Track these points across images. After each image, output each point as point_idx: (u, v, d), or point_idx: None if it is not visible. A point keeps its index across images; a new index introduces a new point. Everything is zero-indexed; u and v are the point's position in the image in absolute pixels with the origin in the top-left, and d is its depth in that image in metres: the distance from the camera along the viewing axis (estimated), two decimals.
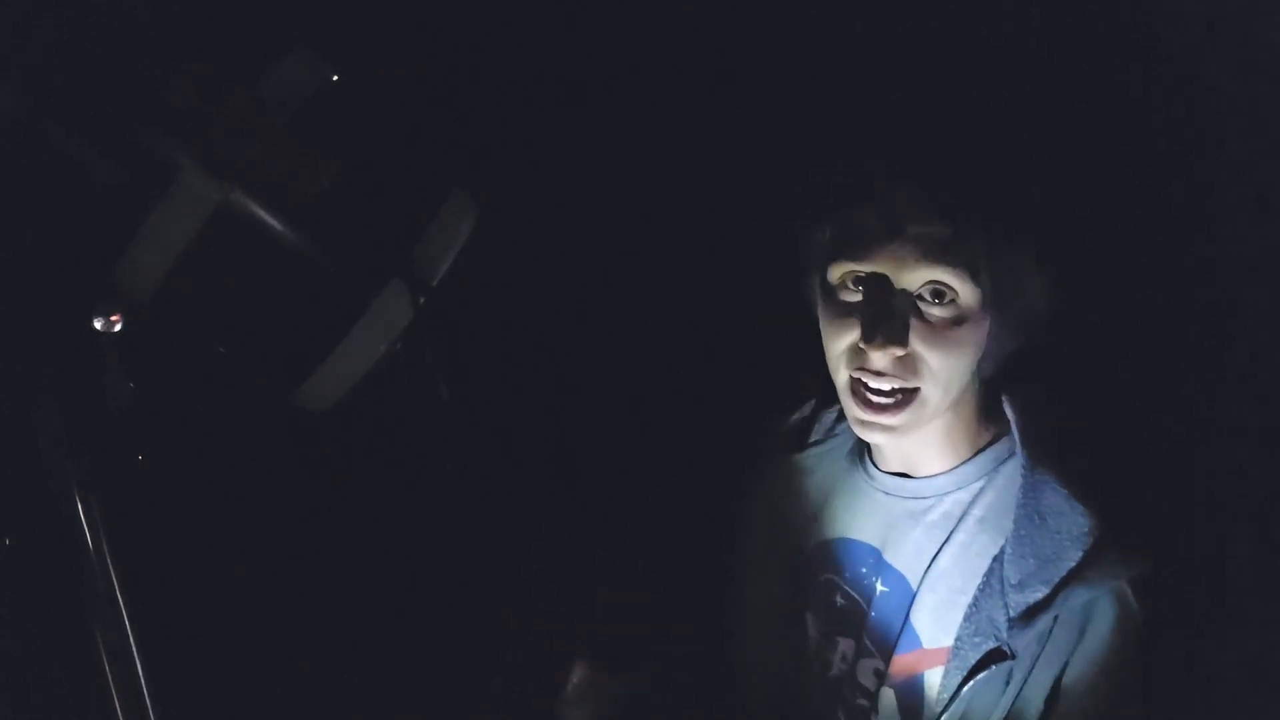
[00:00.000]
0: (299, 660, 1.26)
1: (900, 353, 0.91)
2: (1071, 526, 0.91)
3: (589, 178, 1.29)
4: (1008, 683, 0.92)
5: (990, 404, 1.00)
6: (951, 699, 0.93)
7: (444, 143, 0.86)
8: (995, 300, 0.91)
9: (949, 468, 1.00)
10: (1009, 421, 0.98)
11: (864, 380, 0.93)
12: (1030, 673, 0.91)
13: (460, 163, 0.87)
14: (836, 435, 1.11)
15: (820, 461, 1.11)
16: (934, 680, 0.96)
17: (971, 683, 0.92)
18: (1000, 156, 0.93)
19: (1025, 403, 0.98)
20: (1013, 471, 0.97)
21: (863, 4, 1.19)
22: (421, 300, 0.81)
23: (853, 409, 0.95)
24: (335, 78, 0.83)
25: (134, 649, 0.82)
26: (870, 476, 1.05)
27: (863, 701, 1.01)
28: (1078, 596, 0.90)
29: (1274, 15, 0.98)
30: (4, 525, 0.86)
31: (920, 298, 0.91)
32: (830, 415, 1.12)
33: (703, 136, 1.27)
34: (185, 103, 0.76)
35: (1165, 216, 1.07)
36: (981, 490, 0.99)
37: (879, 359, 0.91)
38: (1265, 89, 0.99)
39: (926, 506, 1.01)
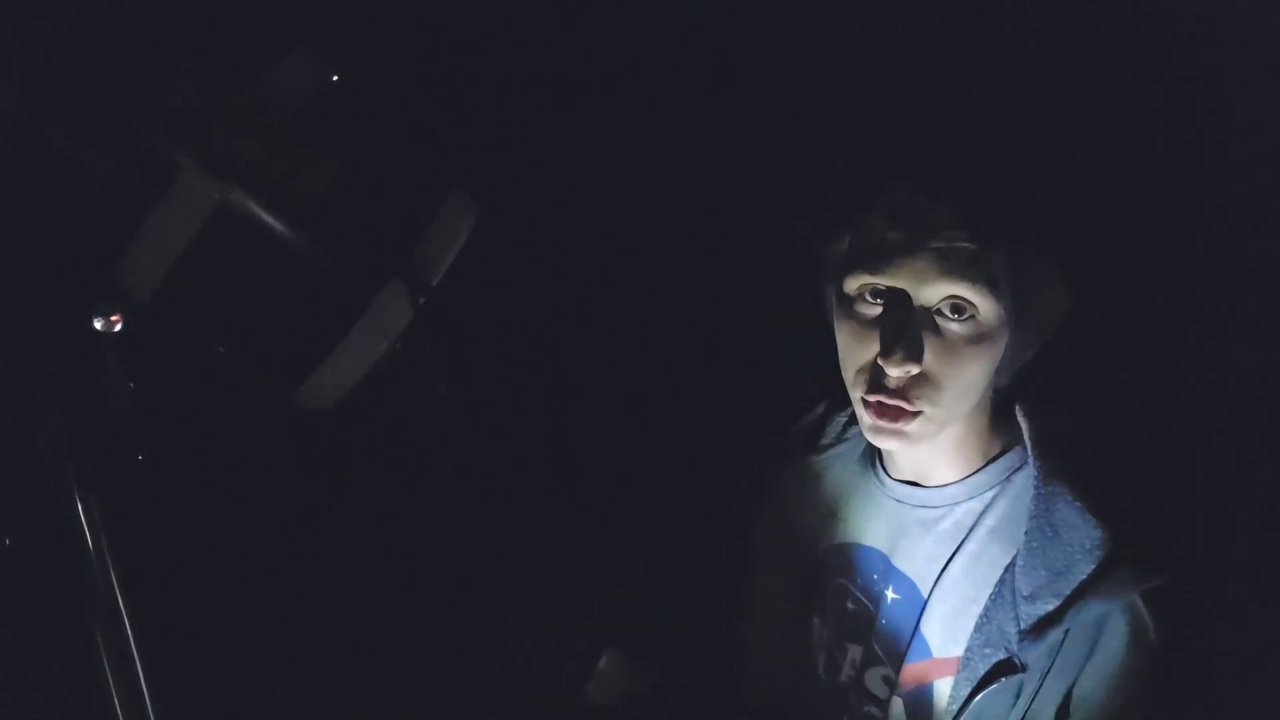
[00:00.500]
0: (299, 660, 1.26)
1: (915, 369, 0.90)
2: (1084, 539, 0.90)
3: (589, 178, 1.29)
4: (1018, 696, 0.91)
5: (1003, 412, 1.00)
6: (961, 709, 0.92)
7: (444, 143, 0.86)
8: (1015, 313, 0.90)
9: (960, 477, 1.00)
10: (1021, 430, 0.97)
11: (881, 400, 0.92)
12: (1040, 686, 0.91)
13: (460, 163, 0.87)
14: (848, 439, 1.11)
15: (832, 465, 1.10)
16: (943, 690, 0.95)
17: (981, 694, 0.91)
18: (1016, 165, 0.92)
19: (1037, 411, 0.97)
20: (1025, 481, 0.96)
21: (866, 5, 1.19)
22: (421, 300, 0.81)
23: (865, 417, 0.95)
24: (335, 78, 0.82)
25: (134, 649, 0.82)
26: (881, 483, 1.05)
27: (871, 709, 1.01)
28: (1090, 610, 0.89)
29: (1274, 15, 0.98)
30: (4, 525, 0.86)
31: (939, 313, 0.90)
32: (842, 418, 1.12)
33: (703, 136, 1.27)
34: (185, 103, 0.76)
35: (1165, 217, 1.07)
36: (993, 500, 0.98)
37: (895, 375, 0.90)
38: (1265, 89, 0.99)
39: (938, 515, 1.00)
